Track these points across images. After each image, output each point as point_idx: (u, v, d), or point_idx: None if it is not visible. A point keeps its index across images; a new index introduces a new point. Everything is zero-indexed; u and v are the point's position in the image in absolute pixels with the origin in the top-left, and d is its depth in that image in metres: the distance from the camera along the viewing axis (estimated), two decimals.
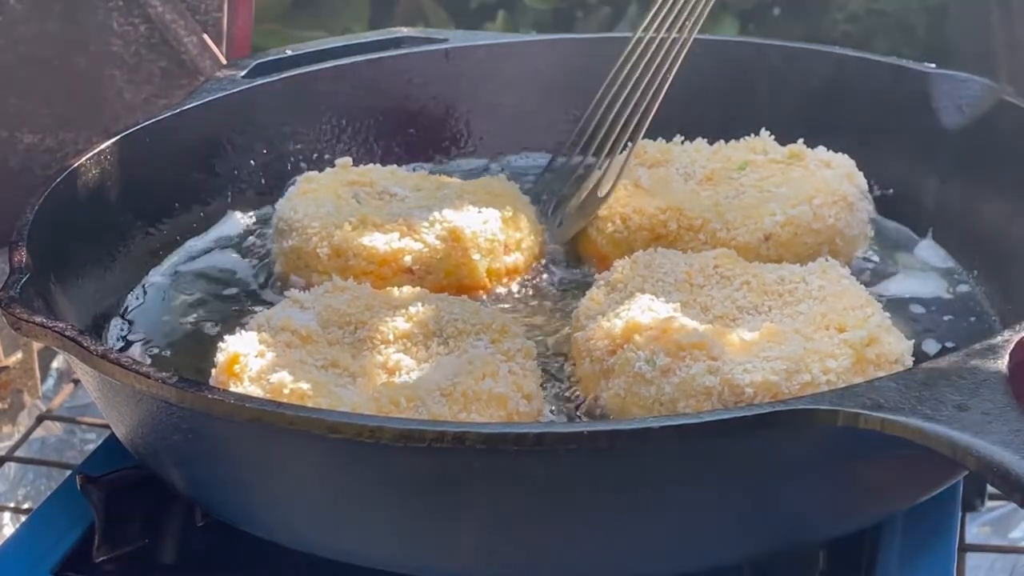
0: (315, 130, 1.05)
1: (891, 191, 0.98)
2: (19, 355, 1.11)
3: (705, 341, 0.72)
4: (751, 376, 0.70)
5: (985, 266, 0.89)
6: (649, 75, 0.93)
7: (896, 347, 0.74)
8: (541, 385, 0.76)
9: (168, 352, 0.85)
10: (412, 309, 0.78)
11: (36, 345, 1.11)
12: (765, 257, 0.87)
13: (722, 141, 0.98)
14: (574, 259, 0.94)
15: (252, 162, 1.01)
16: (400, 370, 0.74)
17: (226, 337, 0.75)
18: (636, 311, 0.76)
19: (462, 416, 0.70)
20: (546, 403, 0.77)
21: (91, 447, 0.94)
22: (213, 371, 0.74)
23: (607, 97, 0.97)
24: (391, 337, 0.76)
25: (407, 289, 0.82)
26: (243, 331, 0.76)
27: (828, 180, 0.91)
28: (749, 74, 1.05)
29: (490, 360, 0.74)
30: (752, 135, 0.97)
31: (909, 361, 0.75)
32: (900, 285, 0.90)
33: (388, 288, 0.83)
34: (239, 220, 0.99)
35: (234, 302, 0.91)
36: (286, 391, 0.69)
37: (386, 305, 0.79)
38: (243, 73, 1.04)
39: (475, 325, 0.77)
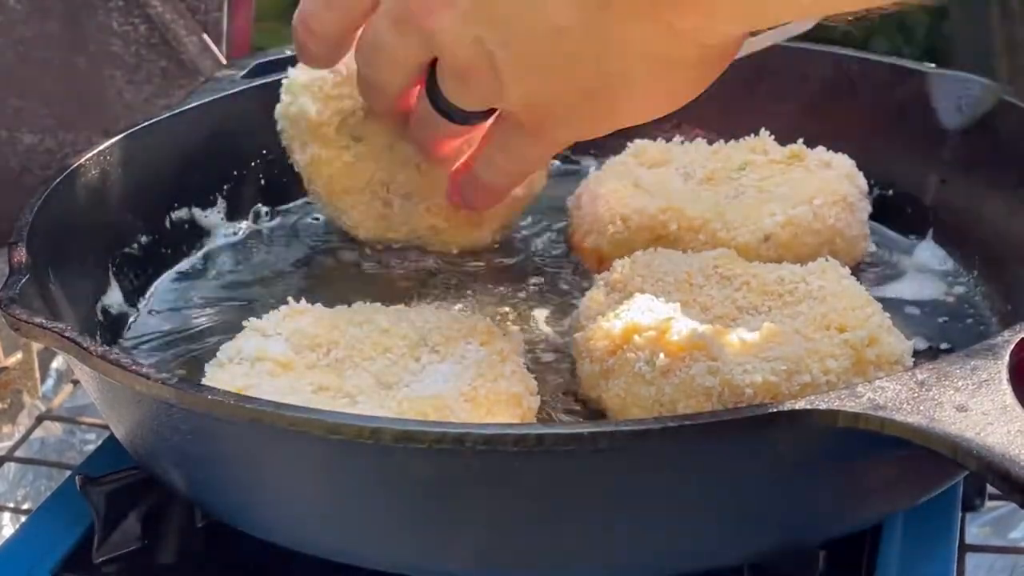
0: None
1: (891, 191, 0.98)
2: (19, 355, 1.11)
3: (705, 341, 0.72)
4: (751, 377, 0.70)
5: (985, 267, 0.89)
6: None
7: (896, 347, 0.74)
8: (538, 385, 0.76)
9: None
10: (383, 323, 0.76)
11: (36, 345, 1.11)
12: (765, 257, 0.87)
13: (722, 141, 0.98)
14: (574, 259, 0.94)
15: (253, 162, 1.01)
16: (398, 383, 0.72)
17: (207, 373, 0.73)
18: (636, 311, 0.76)
19: (488, 419, 0.69)
20: (546, 403, 0.77)
21: (91, 447, 0.93)
22: None
23: None
24: (373, 353, 0.75)
25: (359, 305, 0.79)
26: (209, 366, 0.73)
27: (828, 180, 0.91)
28: (749, 74, 1.05)
29: (494, 362, 0.73)
30: (752, 135, 0.97)
31: (909, 362, 0.75)
32: (900, 286, 0.90)
33: (340, 306, 0.80)
34: (240, 221, 0.99)
35: (234, 303, 0.91)
36: None
37: (351, 323, 0.77)
38: (243, 73, 1.04)
39: (459, 330, 0.76)
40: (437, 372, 0.73)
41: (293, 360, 0.73)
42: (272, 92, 1.02)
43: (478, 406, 0.70)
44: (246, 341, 0.75)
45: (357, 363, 0.74)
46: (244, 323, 0.78)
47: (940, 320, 0.86)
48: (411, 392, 0.71)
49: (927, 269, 0.92)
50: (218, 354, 0.75)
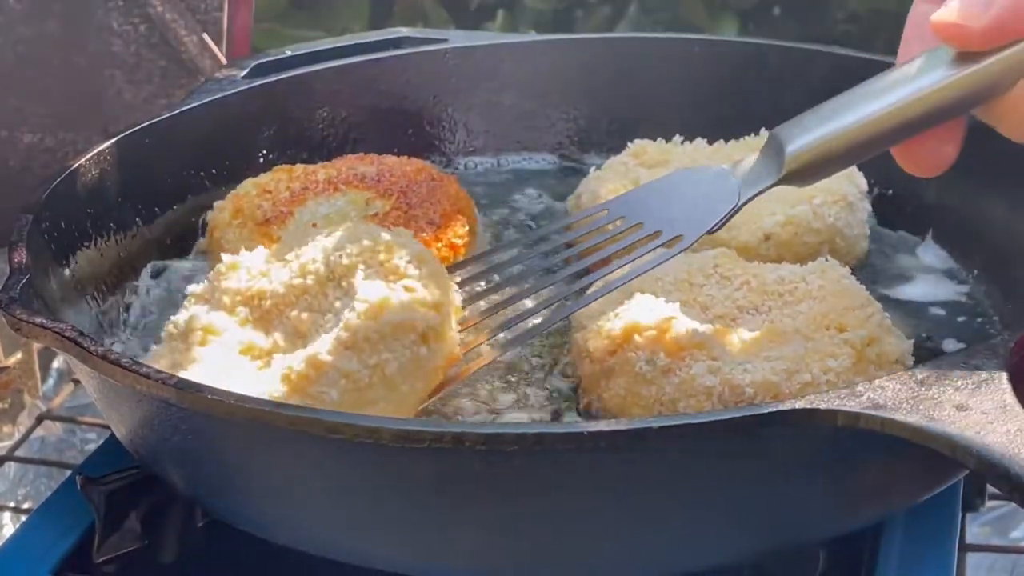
0: (315, 130, 1.05)
1: (891, 191, 0.98)
2: (19, 355, 1.11)
3: (705, 341, 0.72)
4: (751, 376, 0.70)
5: (985, 266, 0.89)
6: None
7: (896, 347, 0.74)
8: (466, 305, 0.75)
9: None
10: (304, 259, 0.74)
11: (36, 345, 1.11)
12: (765, 257, 0.87)
13: (722, 141, 0.98)
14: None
15: (252, 162, 1.01)
16: (310, 333, 0.71)
17: (149, 353, 0.73)
18: (636, 311, 0.76)
19: (372, 361, 0.68)
20: (549, 403, 0.77)
21: (91, 447, 0.94)
22: None
23: None
24: (293, 299, 0.73)
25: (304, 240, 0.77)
26: (154, 346, 0.73)
27: (828, 180, 0.91)
28: (749, 74, 1.05)
29: (380, 288, 0.70)
30: (752, 135, 0.97)
31: (909, 361, 0.75)
32: (900, 285, 0.90)
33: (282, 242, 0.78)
34: None
35: None
36: None
37: (282, 262, 0.75)
38: (243, 73, 1.04)
39: (359, 255, 0.73)
40: (337, 314, 0.71)
41: (220, 324, 0.72)
42: (272, 92, 1.03)
43: (360, 351, 0.68)
44: (184, 312, 0.74)
45: (281, 311, 0.73)
46: (186, 291, 0.76)
47: (940, 319, 0.86)
48: (313, 344, 0.69)
49: (927, 268, 0.92)
50: (163, 331, 0.74)
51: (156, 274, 0.93)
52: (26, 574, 0.74)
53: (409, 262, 0.72)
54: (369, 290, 0.70)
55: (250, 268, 0.75)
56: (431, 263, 0.73)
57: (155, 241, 0.94)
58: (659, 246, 0.72)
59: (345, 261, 0.73)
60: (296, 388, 0.68)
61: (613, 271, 0.74)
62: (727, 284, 0.80)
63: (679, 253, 0.72)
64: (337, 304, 0.72)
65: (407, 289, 0.71)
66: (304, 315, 0.72)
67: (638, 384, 0.73)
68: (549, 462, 0.60)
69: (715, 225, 0.70)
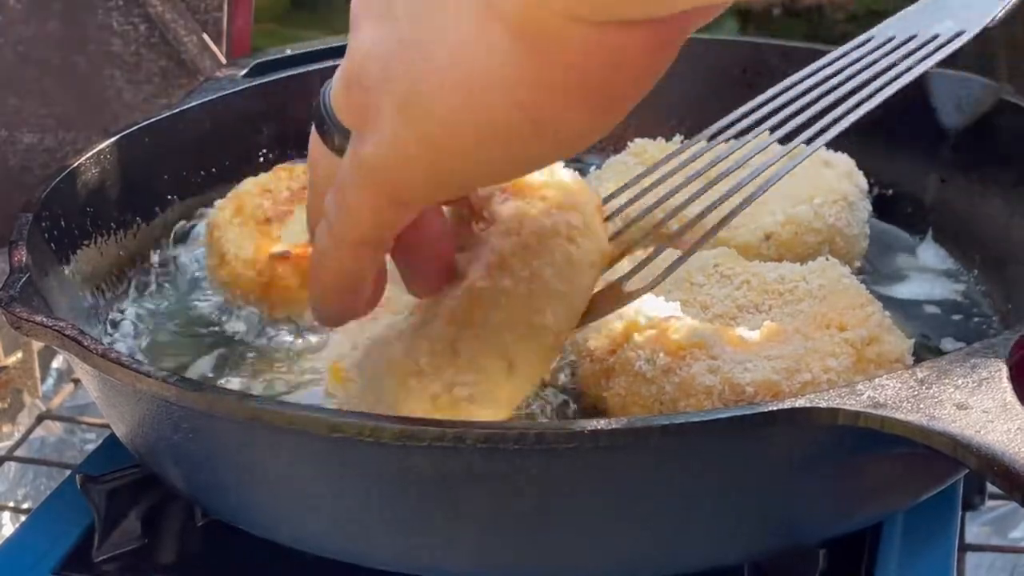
0: None
1: (891, 190, 0.98)
2: (19, 355, 1.11)
3: (705, 340, 0.72)
4: (752, 375, 0.70)
5: (985, 266, 0.89)
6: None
7: (897, 346, 0.74)
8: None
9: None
10: None
11: (36, 345, 1.11)
12: (765, 256, 0.87)
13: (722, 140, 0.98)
14: None
15: (252, 162, 1.01)
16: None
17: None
18: (636, 310, 0.76)
19: (525, 273, 0.67)
20: (549, 402, 0.77)
21: (91, 447, 0.93)
22: None
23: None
24: None
25: None
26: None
27: (828, 179, 0.91)
28: (749, 74, 1.05)
29: (514, 205, 0.69)
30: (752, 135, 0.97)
31: (910, 360, 0.75)
32: (900, 285, 0.90)
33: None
34: None
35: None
36: None
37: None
38: (243, 72, 1.04)
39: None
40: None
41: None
42: (272, 91, 1.03)
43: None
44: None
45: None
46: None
47: (940, 319, 0.86)
48: (464, 284, 0.68)
49: (927, 268, 0.92)
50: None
51: (156, 273, 0.93)
52: (26, 574, 0.74)
53: (540, 176, 0.70)
54: (504, 209, 0.69)
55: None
56: (564, 171, 0.71)
57: (155, 240, 0.94)
58: (940, 47, 0.71)
59: (481, 192, 0.71)
60: (462, 322, 0.65)
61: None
62: (727, 283, 0.80)
63: (958, 47, 0.70)
64: (484, 235, 0.69)
65: (542, 199, 0.69)
66: (458, 255, 0.69)
67: (638, 383, 0.73)
68: (549, 460, 0.60)
69: (997, 14, 0.69)
